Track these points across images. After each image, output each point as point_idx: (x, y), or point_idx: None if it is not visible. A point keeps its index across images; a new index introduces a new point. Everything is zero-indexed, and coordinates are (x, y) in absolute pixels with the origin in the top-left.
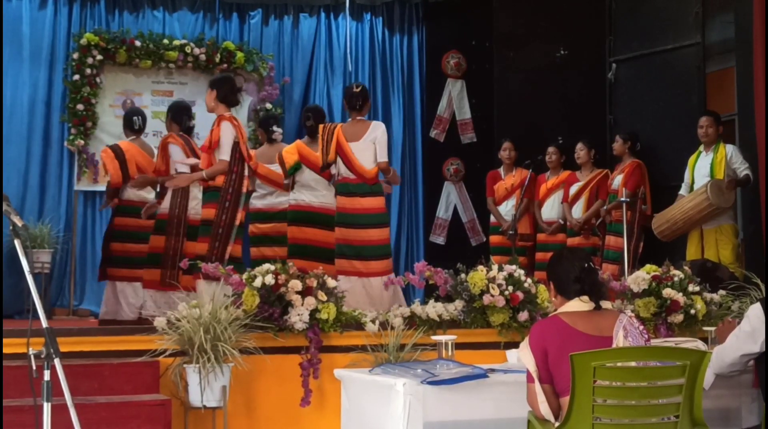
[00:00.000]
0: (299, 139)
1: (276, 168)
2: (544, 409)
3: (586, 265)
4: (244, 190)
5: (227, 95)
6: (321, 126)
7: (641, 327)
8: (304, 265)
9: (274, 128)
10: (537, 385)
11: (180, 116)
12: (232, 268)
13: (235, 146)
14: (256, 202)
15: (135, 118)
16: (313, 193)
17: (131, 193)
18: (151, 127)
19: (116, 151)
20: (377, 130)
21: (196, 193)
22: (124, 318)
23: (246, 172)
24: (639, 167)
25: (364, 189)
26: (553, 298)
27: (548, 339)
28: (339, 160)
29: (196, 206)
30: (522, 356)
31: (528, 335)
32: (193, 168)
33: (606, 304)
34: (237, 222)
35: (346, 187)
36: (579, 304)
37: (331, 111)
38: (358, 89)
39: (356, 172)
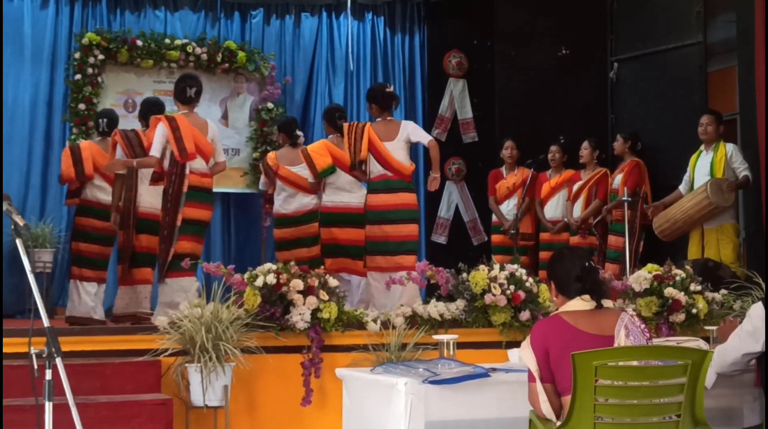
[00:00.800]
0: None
1: (297, 170)
2: (546, 409)
3: (587, 264)
4: (185, 188)
5: (177, 95)
6: (347, 125)
7: (642, 326)
8: (344, 263)
9: (298, 133)
10: (538, 385)
11: (145, 113)
12: (233, 268)
13: (168, 146)
14: (281, 208)
15: (99, 120)
16: (351, 194)
17: (89, 194)
18: None
19: (73, 149)
20: (407, 128)
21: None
22: (83, 316)
23: (186, 171)
24: (638, 166)
25: (403, 185)
26: (555, 298)
27: (550, 338)
28: (372, 158)
29: (149, 200)
30: (523, 355)
31: (529, 334)
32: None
33: (607, 303)
34: (178, 222)
35: (387, 184)
36: (580, 304)
37: None
38: (390, 89)
39: (395, 170)
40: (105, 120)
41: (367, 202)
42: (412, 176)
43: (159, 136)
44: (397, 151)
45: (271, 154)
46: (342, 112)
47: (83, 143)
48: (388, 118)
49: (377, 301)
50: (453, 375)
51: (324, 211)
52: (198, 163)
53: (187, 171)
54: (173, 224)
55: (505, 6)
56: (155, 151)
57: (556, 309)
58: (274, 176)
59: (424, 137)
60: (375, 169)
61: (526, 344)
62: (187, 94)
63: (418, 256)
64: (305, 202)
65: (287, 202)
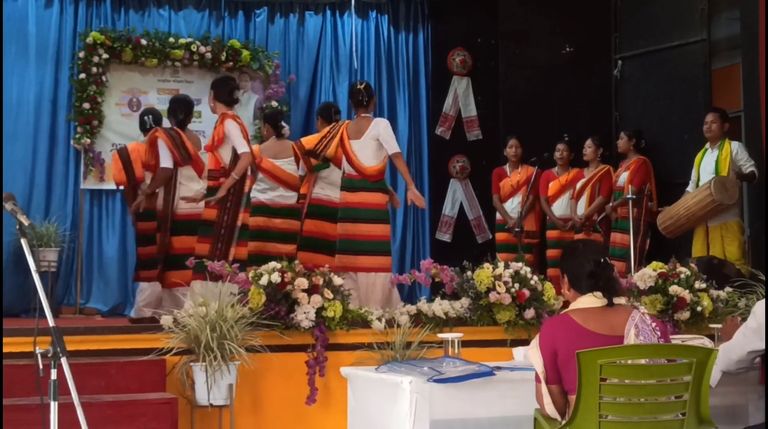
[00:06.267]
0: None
1: (281, 163)
2: (550, 410)
3: (601, 259)
4: (246, 190)
5: (224, 96)
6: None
7: (654, 324)
8: (314, 259)
9: (284, 124)
10: (543, 386)
11: (174, 110)
12: (237, 267)
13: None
14: (258, 195)
15: (145, 117)
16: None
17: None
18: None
19: (121, 153)
20: (378, 126)
21: (193, 187)
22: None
23: (249, 172)
24: (645, 164)
25: (366, 184)
26: (566, 291)
27: (558, 339)
28: (343, 156)
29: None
30: (531, 355)
31: (538, 334)
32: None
33: (619, 300)
34: (239, 222)
35: (350, 183)
36: (592, 300)
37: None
38: (362, 86)
39: (357, 169)
40: (151, 117)
41: (339, 199)
42: (380, 175)
43: (238, 132)
44: (362, 149)
45: (254, 147)
46: (338, 109)
47: (132, 145)
48: (363, 114)
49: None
50: (458, 373)
51: (312, 203)
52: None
53: (249, 171)
54: (233, 225)
55: (509, 4)
56: (245, 147)
57: (565, 301)
58: (255, 170)
59: (389, 146)
60: (345, 167)
61: (534, 344)
62: (234, 95)
63: (402, 259)
64: (285, 195)
65: (265, 191)
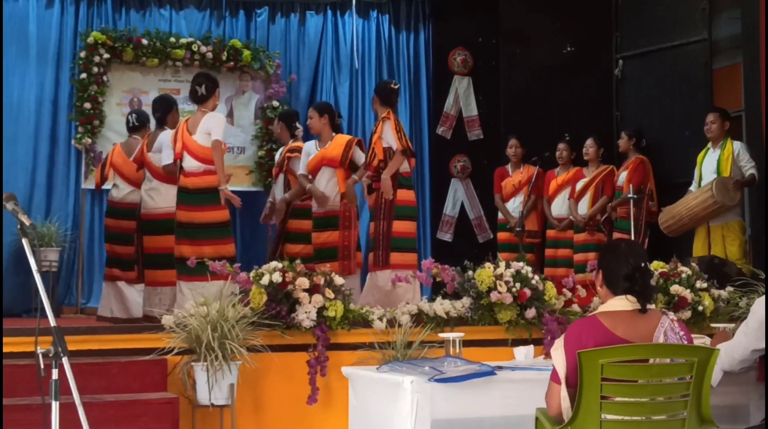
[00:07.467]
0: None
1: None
2: (567, 415)
3: (642, 264)
4: (175, 190)
5: (190, 95)
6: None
7: (682, 332)
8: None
9: (298, 125)
10: (563, 389)
11: (153, 110)
12: (239, 267)
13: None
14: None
15: (129, 116)
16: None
17: (114, 194)
18: None
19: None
20: None
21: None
22: (120, 316)
23: (178, 173)
24: (643, 163)
25: (409, 182)
26: (599, 288)
27: (587, 343)
28: None
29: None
30: (554, 356)
31: (563, 335)
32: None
33: (650, 306)
34: (175, 224)
35: (410, 181)
36: (623, 303)
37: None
38: (397, 86)
39: (411, 167)
40: (134, 115)
41: (404, 197)
42: None
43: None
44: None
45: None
46: (339, 113)
47: (116, 146)
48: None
49: (377, 300)
50: (459, 373)
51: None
52: (186, 163)
53: (178, 173)
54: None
55: (510, 3)
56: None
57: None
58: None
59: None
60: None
61: (559, 345)
62: (198, 93)
63: (424, 253)
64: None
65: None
